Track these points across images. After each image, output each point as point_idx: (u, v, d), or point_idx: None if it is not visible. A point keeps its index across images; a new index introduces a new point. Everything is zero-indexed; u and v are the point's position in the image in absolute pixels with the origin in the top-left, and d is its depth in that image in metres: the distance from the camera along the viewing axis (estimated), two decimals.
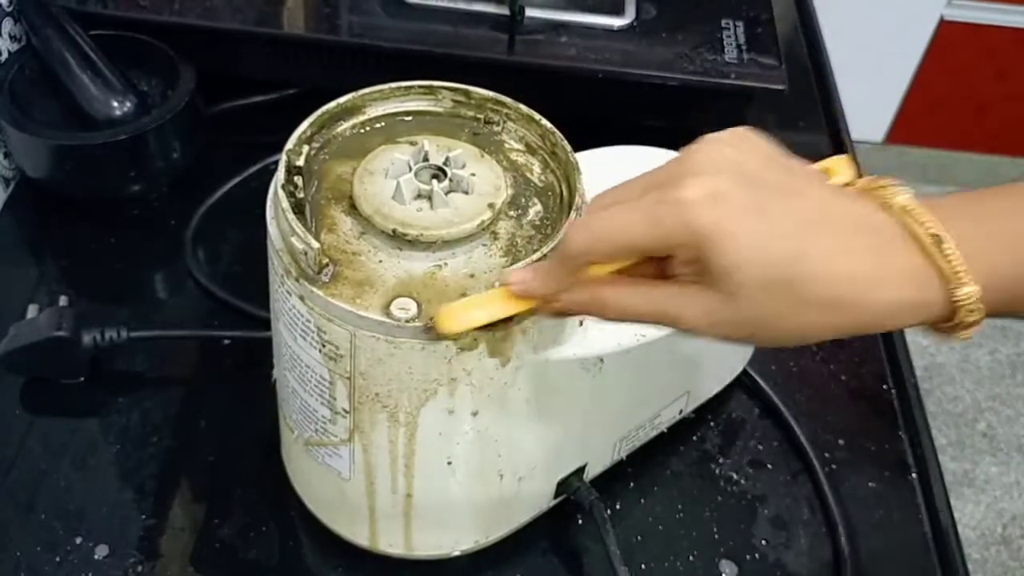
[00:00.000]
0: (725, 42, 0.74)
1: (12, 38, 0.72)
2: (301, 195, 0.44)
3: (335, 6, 0.76)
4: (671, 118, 0.74)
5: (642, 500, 0.58)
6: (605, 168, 0.61)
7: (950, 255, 0.35)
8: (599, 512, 0.53)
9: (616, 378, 0.50)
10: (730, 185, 0.35)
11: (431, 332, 0.41)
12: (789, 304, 0.35)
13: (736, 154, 0.36)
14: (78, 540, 0.53)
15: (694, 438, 0.61)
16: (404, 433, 0.45)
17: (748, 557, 0.55)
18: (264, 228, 0.44)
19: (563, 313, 0.40)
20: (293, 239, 0.42)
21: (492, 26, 0.75)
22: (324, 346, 0.43)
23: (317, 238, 0.42)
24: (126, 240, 0.70)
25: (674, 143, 0.63)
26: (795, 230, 0.35)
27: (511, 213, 0.46)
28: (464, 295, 0.42)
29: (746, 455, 0.61)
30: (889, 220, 0.36)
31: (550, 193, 0.48)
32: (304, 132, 0.46)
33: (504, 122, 0.50)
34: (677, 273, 0.39)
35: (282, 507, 0.55)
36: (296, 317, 0.44)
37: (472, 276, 0.43)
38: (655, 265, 0.39)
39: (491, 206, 0.45)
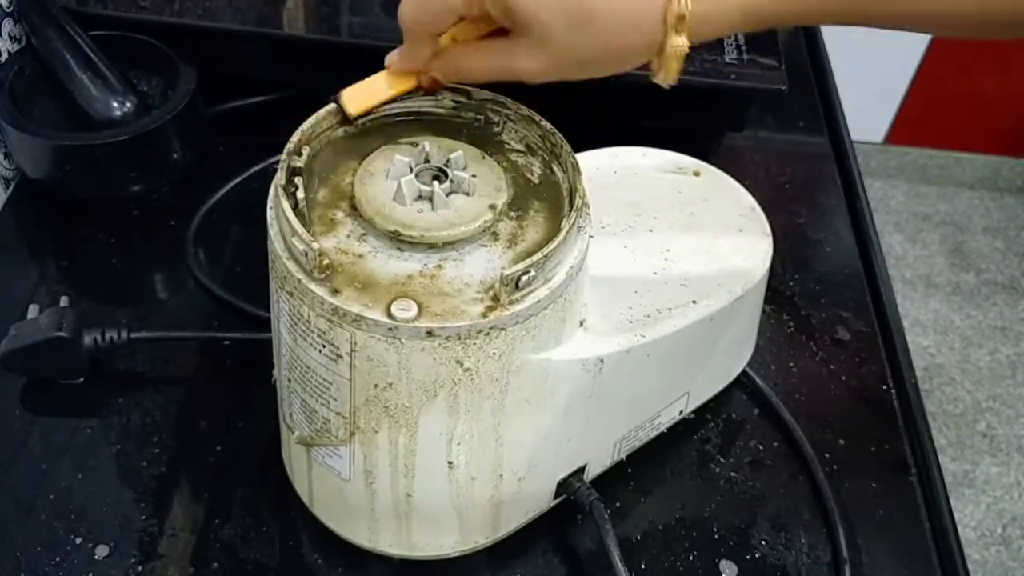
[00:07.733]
0: (725, 43, 0.74)
1: (12, 38, 0.72)
2: (302, 196, 0.44)
3: (335, 6, 0.76)
4: (671, 118, 0.74)
5: (642, 500, 0.58)
6: (605, 168, 0.61)
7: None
8: (599, 512, 0.53)
9: (616, 378, 0.50)
10: None
11: (430, 332, 0.41)
12: (589, 36, 0.43)
13: None
14: (78, 540, 0.53)
15: (694, 438, 0.61)
16: (404, 434, 0.45)
17: (748, 557, 0.55)
18: (265, 229, 0.44)
19: (436, 84, 0.48)
20: (294, 240, 0.42)
21: None
22: (324, 347, 0.43)
23: (318, 239, 0.42)
24: (126, 240, 0.70)
25: (674, 143, 0.64)
26: None
27: (512, 214, 0.46)
28: (464, 296, 0.42)
29: (746, 455, 0.61)
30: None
31: (550, 194, 0.48)
32: (305, 133, 0.46)
33: (504, 123, 0.50)
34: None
35: (282, 507, 0.55)
36: (297, 318, 0.44)
37: (473, 277, 0.43)
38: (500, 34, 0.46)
39: (492, 207, 0.45)
